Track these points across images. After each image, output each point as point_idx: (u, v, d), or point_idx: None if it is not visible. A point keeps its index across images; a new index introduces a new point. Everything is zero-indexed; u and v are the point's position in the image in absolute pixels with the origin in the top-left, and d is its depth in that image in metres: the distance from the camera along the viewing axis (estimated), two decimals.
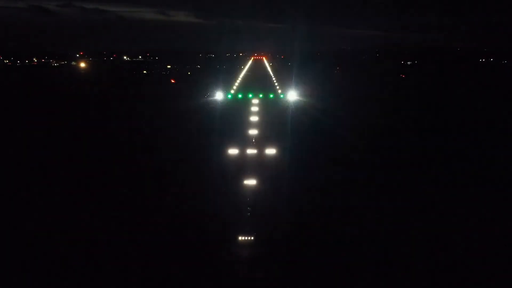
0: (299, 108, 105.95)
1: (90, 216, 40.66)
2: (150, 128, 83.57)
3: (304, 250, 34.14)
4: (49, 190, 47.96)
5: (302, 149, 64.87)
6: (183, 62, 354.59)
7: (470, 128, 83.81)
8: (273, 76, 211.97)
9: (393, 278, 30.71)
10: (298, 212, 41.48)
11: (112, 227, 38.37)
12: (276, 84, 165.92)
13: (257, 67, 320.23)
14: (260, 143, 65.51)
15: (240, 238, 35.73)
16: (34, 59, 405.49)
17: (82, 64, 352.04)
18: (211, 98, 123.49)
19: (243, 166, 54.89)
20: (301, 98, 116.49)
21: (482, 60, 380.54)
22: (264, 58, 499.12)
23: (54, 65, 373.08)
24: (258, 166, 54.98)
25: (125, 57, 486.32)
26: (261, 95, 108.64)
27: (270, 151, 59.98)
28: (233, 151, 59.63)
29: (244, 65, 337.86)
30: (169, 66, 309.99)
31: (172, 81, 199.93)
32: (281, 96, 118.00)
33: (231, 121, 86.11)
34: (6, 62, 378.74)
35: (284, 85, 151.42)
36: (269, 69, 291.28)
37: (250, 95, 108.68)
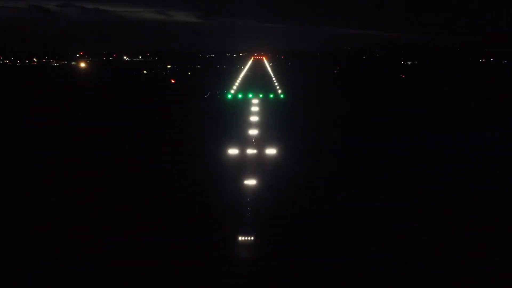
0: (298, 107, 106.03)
1: (91, 216, 40.73)
2: (149, 128, 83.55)
3: (304, 250, 34.13)
4: (48, 190, 48.01)
5: (303, 149, 65.09)
6: (183, 62, 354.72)
7: (472, 128, 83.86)
8: (273, 76, 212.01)
9: (393, 278, 30.70)
10: (298, 211, 41.50)
11: (113, 226, 38.39)
12: (276, 84, 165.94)
13: (257, 67, 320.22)
14: (260, 143, 65.43)
15: (240, 238, 35.68)
16: (34, 59, 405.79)
17: (82, 64, 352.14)
18: (211, 98, 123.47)
19: (243, 166, 54.81)
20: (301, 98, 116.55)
21: (482, 60, 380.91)
22: (264, 58, 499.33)
23: (54, 65, 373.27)
24: (258, 166, 54.91)
25: (125, 57, 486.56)
26: (261, 95, 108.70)
27: (270, 151, 59.89)
28: (233, 151, 59.55)
29: (244, 65, 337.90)
30: (169, 66, 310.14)
31: (172, 81, 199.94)
32: (281, 96, 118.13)
33: (231, 121, 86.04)
34: (6, 62, 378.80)
35: (284, 85, 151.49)
36: (269, 69, 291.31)
37: (250, 95, 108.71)
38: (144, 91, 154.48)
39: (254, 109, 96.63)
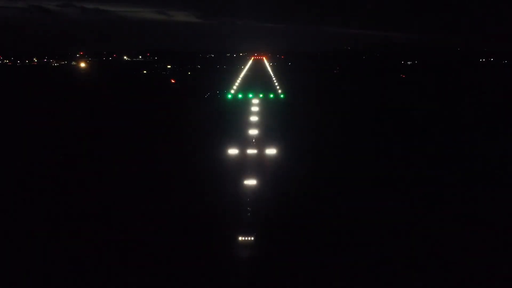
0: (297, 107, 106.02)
1: (91, 216, 40.76)
2: (149, 128, 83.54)
3: (304, 250, 34.14)
4: (48, 190, 48.02)
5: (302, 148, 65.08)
6: (183, 62, 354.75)
7: (472, 128, 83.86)
8: (273, 76, 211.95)
9: (393, 277, 30.71)
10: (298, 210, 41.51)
11: (113, 226, 38.43)
12: (276, 84, 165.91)
13: (257, 67, 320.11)
14: (260, 143, 65.42)
15: (240, 238, 35.68)
16: (34, 59, 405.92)
17: (82, 64, 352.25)
18: (211, 98, 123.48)
19: (243, 166, 54.81)
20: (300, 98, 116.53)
21: (482, 60, 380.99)
22: (264, 58, 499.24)
23: (54, 65, 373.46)
24: (258, 166, 54.92)
25: (125, 57, 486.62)
26: (261, 95, 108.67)
27: (270, 151, 59.88)
28: (233, 151, 59.53)
29: (244, 65, 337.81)
30: (169, 66, 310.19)
31: (172, 81, 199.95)
32: (281, 96, 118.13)
33: (231, 121, 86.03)
34: (6, 62, 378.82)
35: (284, 85, 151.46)
36: (269, 69, 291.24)
37: (250, 95, 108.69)
38: (144, 91, 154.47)
39: (254, 109, 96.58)
